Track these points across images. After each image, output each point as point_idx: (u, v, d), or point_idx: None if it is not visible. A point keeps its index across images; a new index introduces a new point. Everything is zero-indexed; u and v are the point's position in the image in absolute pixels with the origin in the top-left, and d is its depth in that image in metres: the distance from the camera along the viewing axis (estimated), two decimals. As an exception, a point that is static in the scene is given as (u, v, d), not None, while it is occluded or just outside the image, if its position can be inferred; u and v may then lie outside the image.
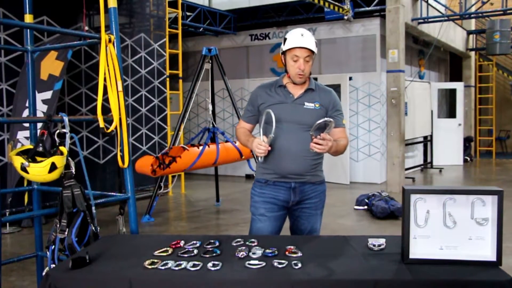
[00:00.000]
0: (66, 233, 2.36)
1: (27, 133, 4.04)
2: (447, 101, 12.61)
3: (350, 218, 6.81)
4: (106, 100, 2.68)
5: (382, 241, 2.18)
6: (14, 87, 6.06)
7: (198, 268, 1.92)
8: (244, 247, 2.16)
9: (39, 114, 4.54)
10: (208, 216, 7.02)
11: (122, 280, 1.86)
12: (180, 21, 8.91)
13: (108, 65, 2.70)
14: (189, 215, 7.30)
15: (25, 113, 5.21)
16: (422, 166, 11.56)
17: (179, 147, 6.42)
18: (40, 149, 2.50)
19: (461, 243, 1.96)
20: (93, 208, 2.48)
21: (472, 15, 12.01)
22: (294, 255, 2.06)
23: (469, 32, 13.86)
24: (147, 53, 8.19)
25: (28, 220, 6.10)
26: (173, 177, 8.30)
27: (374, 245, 2.15)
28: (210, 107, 7.12)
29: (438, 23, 10.60)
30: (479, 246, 1.95)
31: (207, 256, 2.07)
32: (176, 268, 1.92)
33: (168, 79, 8.56)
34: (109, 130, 2.71)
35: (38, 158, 2.47)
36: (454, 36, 12.47)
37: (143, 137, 8.15)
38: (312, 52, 2.68)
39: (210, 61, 7.11)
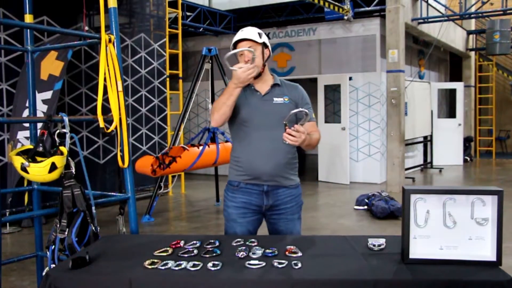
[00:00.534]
0: (66, 233, 2.36)
1: (27, 133, 4.05)
2: (447, 101, 12.61)
3: (350, 218, 6.81)
4: (106, 100, 2.68)
5: (382, 241, 2.17)
6: (14, 87, 6.06)
7: (198, 268, 1.91)
8: (244, 247, 2.16)
9: (39, 114, 4.54)
10: (208, 216, 7.03)
11: (122, 280, 1.86)
12: (180, 21, 8.91)
13: (108, 65, 2.70)
14: (189, 215, 7.31)
15: (25, 113, 5.22)
16: (422, 166, 11.56)
17: (179, 147, 6.42)
18: (40, 149, 2.50)
19: (461, 243, 1.96)
20: (93, 208, 2.48)
21: (472, 15, 12.01)
22: (294, 255, 2.06)
23: (469, 32, 13.87)
24: (147, 53, 8.19)
25: (28, 220, 6.10)
26: (173, 177, 8.30)
27: (374, 245, 2.15)
28: (210, 107, 7.13)
29: (438, 23, 10.60)
30: (479, 246, 1.94)
31: (207, 256, 2.07)
32: (176, 268, 1.92)
33: (168, 79, 8.57)
34: (109, 130, 2.71)
35: (38, 158, 2.47)
36: (454, 36, 12.47)
37: (143, 137, 8.15)
38: (255, 42, 2.62)
39: (210, 61, 7.12)
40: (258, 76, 2.66)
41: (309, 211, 7.28)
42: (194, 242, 2.25)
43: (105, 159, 7.54)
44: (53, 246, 2.39)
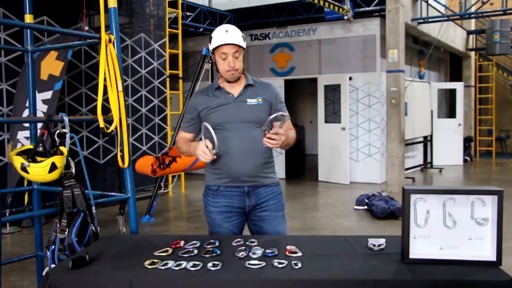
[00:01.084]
0: (66, 233, 2.36)
1: (27, 133, 4.04)
2: (447, 101, 12.62)
3: (350, 218, 6.81)
4: (106, 100, 2.67)
5: (382, 241, 2.17)
6: (14, 87, 6.06)
7: (198, 268, 1.91)
8: (244, 247, 2.16)
9: (39, 114, 4.54)
10: (208, 216, 7.02)
11: (122, 280, 1.86)
12: (180, 21, 8.91)
13: (108, 65, 2.70)
14: (189, 215, 7.31)
15: (25, 113, 5.22)
16: (422, 166, 11.56)
17: (179, 147, 6.40)
18: (40, 149, 2.50)
19: (461, 243, 1.95)
20: (93, 208, 2.48)
21: (472, 15, 12.02)
22: (294, 255, 2.06)
23: (469, 32, 13.87)
24: (147, 53, 8.19)
25: (28, 220, 6.10)
26: (173, 177, 8.30)
27: (374, 245, 2.15)
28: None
29: (438, 23, 10.60)
30: (479, 246, 1.94)
31: (207, 256, 2.07)
32: (176, 268, 1.92)
33: (168, 79, 8.57)
34: (109, 130, 2.70)
35: (38, 158, 2.47)
36: (454, 36, 12.47)
37: (143, 137, 8.15)
38: (240, 47, 2.58)
39: (210, 61, 7.09)
40: (239, 80, 2.66)
41: (309, 211, 7.28)
42: (194, 242, 2.25)
43: (105, 159, 7.53)
44: (53, 246, 2.39)
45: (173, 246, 2.19)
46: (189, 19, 9.66)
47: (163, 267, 1.93)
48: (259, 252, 2.09)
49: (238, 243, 2.25)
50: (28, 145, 2.74)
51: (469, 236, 1.95)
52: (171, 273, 1.89)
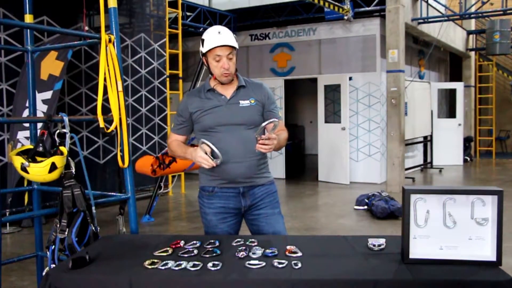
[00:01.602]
0: (66, 233, 2.36)
1: (27, 133, 4.05)
2: (447, 101, 12.61)
3: (350, 218, 6.81)
4: (106, 100, 2.67)
5: (382, 241, 2.17)
6: (14, 87, 6.06)
7: (198, 268, 1.92)
8: (244, 247, 2.16)
9: (39, 114, 4.54)
10: (208, 216, 7.02)
11: (122, 280, 1.86)
12: (180, 21, 8.91)
13: (108, 65, 2.70)
14: (189, 215, 7.30)
15: (25, 113, 5.22)
16: (422, 166, 11.56)
17: (179, 147, 6.40)
18: (40, 149, 2.50)
19: (461, 243, 1.95)
20: (93, 208, 2.48)
21: (472, 15, 12.01)
22: (294, 255, 2.06)
23: (469, 32, 13.87)
24: (147, 53, 8.19)
25: (28, 220, 6.10)
26: (173, 177, 8.30)
27: (374, 245, 2.15)
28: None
29: (438, 23, 10.60)
30: (479, 246, 1.94)
31: (207, 256, 2.07)
32: (176, 268, 1.92)
33: (168, 79, 8.57)
34: (109, 130, 2.70)
35: (38, 158, 2.47)
36: (454, 36, 12.47)
37: (143, 137, 8.15)
38: (234, 48, 2.57)
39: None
40: (232, 82, 2.66)
41: (309, 211, 7.28)
42: (194, 242, 2.25)
43: (105, 159, 7.54)
44: (53, 246, 2.39)
45: (173, 246, 2.19)
46: (189, 19, 9.66)
47: (163, 267, 1.93)
48: (259, 252, 2.09)
49: (238, 243, 2.25)
50: (28, 145, 2.75)
51: (469, 236, 1.95)
52: (171, 273, 1.89)
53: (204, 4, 10.16)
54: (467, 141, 13.23)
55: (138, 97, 8.02)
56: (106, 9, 2.79)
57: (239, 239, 2.29)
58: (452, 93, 12.48)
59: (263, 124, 2.42)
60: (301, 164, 12.85)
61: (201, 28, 10.08)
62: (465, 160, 12.80)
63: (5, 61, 6.27)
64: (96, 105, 2.70)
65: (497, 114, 14.47)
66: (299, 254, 2.07)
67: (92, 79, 7.14)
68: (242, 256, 2.04)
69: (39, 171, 2.44)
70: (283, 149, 9.92)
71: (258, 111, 2.64)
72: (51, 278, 1.89)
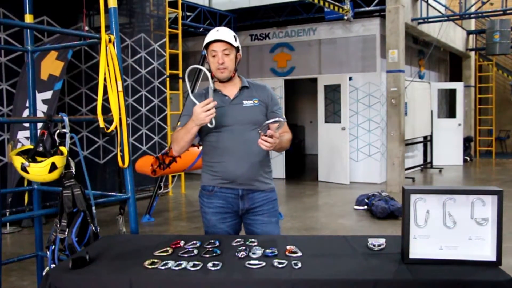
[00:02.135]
0: (66, 233, 2.36)
1: (27, 133, 4.05)
2: (447, 101, 12.62)
3: (350, 218, 6.81)
4: (106, 100, 2.67)
5: (382, 241, 2.17)
6: (14, 87, 6.06)
7: (198, 268, 1.91)
8: (244, 247, 2.16)
9: (39, 114, 4.54)
10: (208, 216, 7.01)
11: (122, 280, 1.86)
12: (180, 21, 8.91)
13: (108, 65, 2.70)
14: (189, 215, 7.31)
15: (25, 113, 5.21)
16: (422, 166, 11.56)
17: (179, 147, 6.40)
18: (40, 149, 2.50)
19: (461, 243, 1.95)
20: (93, 208, 2.48)
21: (472, 15, 12.02)
22: (294, 255, 2.06)
23: (469, 32, 13.87)
24: (147, 53, 8.19)
25: (28, 220, 6.10)
26: (173, 177, 8.30)
27: (374, 245, 2.15)
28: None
29: (438, 23, 10.60)
30: (479, 246, 1.94)
31: (207, 256, 2.07)
32: (176, 268, 1.92)
33: (168, 79, 8.57)
34: (109, 130, 2.70)
35: (38, 158, 2.47)
36: (454, 36, 12.47)
37: (143, 137, 8.15)
38: (231, 45, 2.57)
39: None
40: (228, 80, 2.65)
41: (309, 211, 7.28)
42: (194, 242, 2.25)
43: (105, 159, 7.54)
44: (53, 246, 2.39)
45: (173, 246, 2.19)
46: (189, 19, 9.66)
47: (163, 267, 1.93)
48: (259, 252, 2.09)
49: (238, 243, 2.25)
50: (28, 145, 2.74)
51: (469, 236, 1.95)
52: (171, 273, 1.89)
53: (204, 4, 10.16)
54: (467, 141, 13.23)
55: (138, 97, 8.02)
56: (106, 9, 2.79)
57: (239, 239, 2.29)
58: (452, 93, 12.48)
59: (268, 121, 2.40)
60: (301, 164, 12.85)
61: (201, 28, 10.08)
62: (465, 160, 12.80)
63: (5, 61, 6.27)
64: (96, 105, 2.70)
65: (497, 114, 14.46)
66: (299, 254, 2.07)
67: (92, 79, 7.14)
68: (242, 256, 2.04)
69: (39, 171, 2.44)
70: (283, 149, 9.91)
71: (261, 112, 2.63)
72: (51, 278, 1.89)
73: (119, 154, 2.83)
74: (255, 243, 2.23)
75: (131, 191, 2.88)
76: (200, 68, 2.60)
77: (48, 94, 5.76)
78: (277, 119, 2.43)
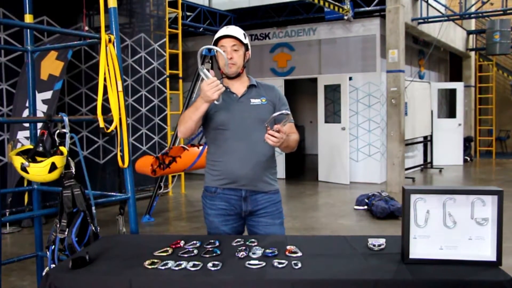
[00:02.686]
0: (66, 233, 2.36)
1: (27, 133, 4.04)
2: (447, 101, 12.62)
3: (350, 218, 6.81)
4: (106, 100, 2.67)
5: (382, 241, 2.17)
6: (14, 87, 6.06)
7: (198, 268, 1.91)
8: (244, 247, 2.16)
9: (39, 114, 4.54)
10: (208, 216, 7.01)
11: (122, 280, 1.86)
12: (180, 21, 8.91)
13: (108, 65, 2.70)
14: (189, 215, 7.31)
15: (25, 113, 5.21)
16: (422, 166, 11.56)
17: (179, 147, 6.41)
18: (40, 149, 2.50)
19: (461, 243, 1.95)
20: (93, 208, 2.48)
21: (472, 15, 12.01)
22: (294, 255, 2.06)
23: (469, 32, 13.87)
24: (147, 53, 8.19)
25: (28, 220, 6.10)
26: (173, 177, 8.30)
27: (374, 245, 2.15)
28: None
29: (438, 23, 10.60)
30: (479, 246, 1.94)
31: (207, 256, 2.07)
32: (176, 268, 1.92)
33: (168, 79, 8.57)
34: (109, 130, 2.70)
35: (38, 158, 2.47)
36: (454, 36, 12.47)
37: (143, 137, 8.15)
38: (240, 41, 2.57)
39: (210, 61, 7.11)
40: (236, 77, 2.64)
41: (309, 211, 7.28)
42: (194, 242, 2.25)
43: (105, 159, 7.53)
44: (53, 246, 2.39)
45: (173, 246, 2.19)
46: (189, 19, 9.66)
47: (163, 267, 1.93)
48: (259, 252, 2.09)
49: (238, 243, 2.24)
50: (28, 145, 2.75)
51: (469, 236, 1.95)
52: (171, 273, 1.89)
53: (204, 4, 10.16)
54: (467, 141, 13.23)
55: (138, 97, 8.02)
56: (106, 9, 2.80)
57: (239, 239, 2.29)
58: (452, 93, 12.48)
59: (275, 114, 2.37)
60: (301, 164, 12.85)
61: (201, 28, 10.08)
62: (465, 160, 12.80)
63: (5, 61, 6.27)
64: (96, 105, 2.70)
65: (497, 114, 14.47)
66: (299, 254, 2.07)
67: (92, 79, 7.14)
68: (242, 256, 2.04)
69: (39, 171, 2.44)
70: (283, 149, 9.90)
71: (269, 111, 2.58)
72: (51, 278, 1.89)
73: (119, 154, 2.83)
74: (255, 243, 2.23)
75: (131, 191, 2.88)
76: (201, 66, 2.56)
77: (48, 94, 5.76)
78: (282, 111, 2.41)
